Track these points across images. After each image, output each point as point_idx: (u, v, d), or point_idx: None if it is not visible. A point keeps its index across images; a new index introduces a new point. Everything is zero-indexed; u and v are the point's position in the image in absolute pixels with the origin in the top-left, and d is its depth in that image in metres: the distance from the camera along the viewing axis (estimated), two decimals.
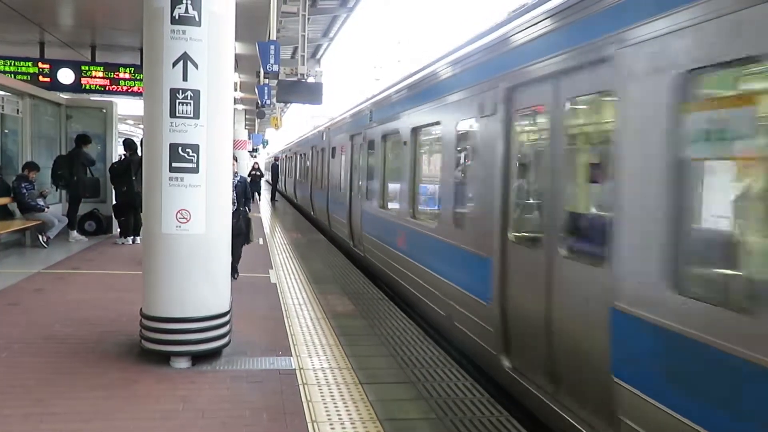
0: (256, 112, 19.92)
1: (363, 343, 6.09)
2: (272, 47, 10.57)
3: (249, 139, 35.39)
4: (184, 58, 4.89)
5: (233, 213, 6.97)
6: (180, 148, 4.94)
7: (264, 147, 44.38)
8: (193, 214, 5.01)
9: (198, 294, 5.12)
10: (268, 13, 10.56)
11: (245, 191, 8.50)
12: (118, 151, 14.31)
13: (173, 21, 4.86)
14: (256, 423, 4.13)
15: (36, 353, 5.37)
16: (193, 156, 4.97)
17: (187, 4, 4.86)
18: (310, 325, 6.65)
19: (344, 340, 6.12)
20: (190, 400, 4.45)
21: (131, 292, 7.10)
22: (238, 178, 8.37)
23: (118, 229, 12.49)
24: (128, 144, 12.36)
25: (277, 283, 8.82)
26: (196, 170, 4.99)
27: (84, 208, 12.60)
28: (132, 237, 11.93)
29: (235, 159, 7.47)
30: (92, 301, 7.33)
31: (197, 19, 4.89)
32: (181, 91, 4.90)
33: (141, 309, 5.29)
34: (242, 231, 8.27)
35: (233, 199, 7.35)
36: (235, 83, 20.06)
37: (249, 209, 8.70)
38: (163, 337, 5.08)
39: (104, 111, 13.54)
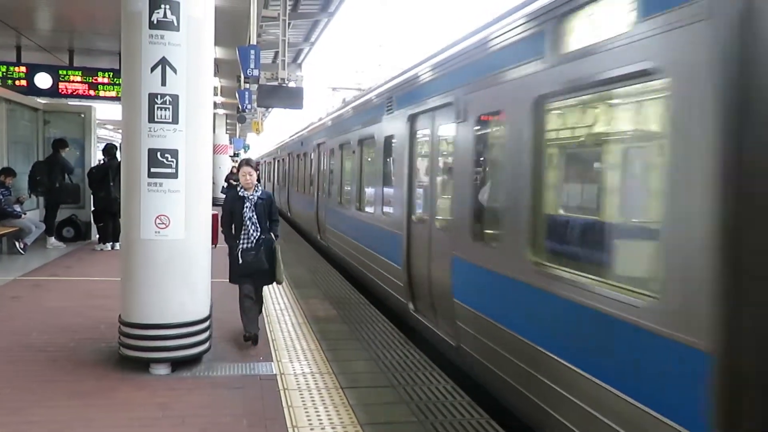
0: (237, 117, 19.88)
1: (344, 347, 6.09)
2: (252, 52, 10.55)
3: (230, 143, 35.22)
4: (163, 63, 4.87)
5: (255, 242, 5.97)
6: (159, 154, 4.92)
7: (245, 152, 44.17)
8: (172, 219, 4.98)
9: (177, 300, 5.09)
10: (248, 18, 10.54)
11: (270, 210, 6.15)
12: (97, 157, 14.17)
13: (151, 26, 4.84)
14: (236, 429, 4.11)
15: (12, 361, 5.30)
16: (172, 161, 4.94)
17: (165, 8, 4.84)
18: (291, 330, 6.64)
19: (326, 344, 6.12)
20: (169, 407, 4.42)
21: (110, 299, 7.03)
22: (260, 192, 6.10)
23: (97, 235, 12.36)
24: (107, 149, 12.24)
25: None
26: (175, 175, 4.96)
27: (62, 214, 12.44)
28: (111, 243, 11.81)
29: (256, 167, 6.25)
30: (70, 308, 7.24)
31: (176, 23, 4.87)
32: (159, 96, 4.88)
33: (120, 315, 5.24)
34: (264, 267, 6.03)
35: (254, 222, 5.97)
36: (216, 88, 19.97)
37: (277, 236, 6.29)
38: (142, 343, 5.04)
39: (82, 116, 13.40)
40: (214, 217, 14.81)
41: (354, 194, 10.66)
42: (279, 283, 6.31)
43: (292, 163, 20.86)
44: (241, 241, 5.99)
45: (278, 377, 5.11)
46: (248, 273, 6.04)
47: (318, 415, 4.36)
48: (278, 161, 26.22)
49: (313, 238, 14.91)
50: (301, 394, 4.75)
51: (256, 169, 6.28)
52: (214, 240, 14.06)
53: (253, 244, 5.98)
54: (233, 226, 6.04)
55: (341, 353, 5.86)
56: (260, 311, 6.37)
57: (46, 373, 5.04)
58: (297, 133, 21.40)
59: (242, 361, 5.47)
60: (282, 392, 4.78)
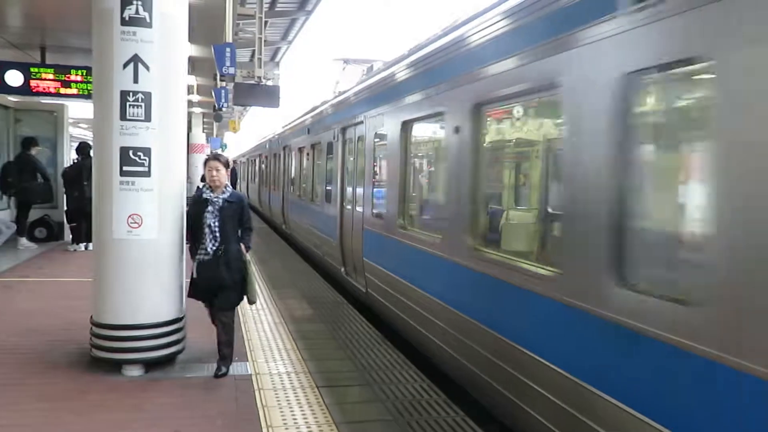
0: (214, 116, 19.67)
1: (321, 346, 6.07)
2: (228, 49, 10.45)
3: (207, 142, 34.88)
4: (135, 60, 4.81)
5: (213, 254, 5.05)
6: (131, 152, 4.86)
7: (223, 151, 43.82)
8: (145, 218, 4.92)
9: (150, 300, 5.03)
10: (224, 16, 10.44)
11: (241, 216, 5.23)
12: (71, 156, 13.93)
13: (123, 22, 4.77)
14: (209, 430, 4.07)
15: None
16: (145, 159, 4.88)
17: (137, 5, 4.78)
18: (267, 330, 6.60)
19: (302, 344, 6.09)
20: (142, 408, 4.37)
21: (83, 300, 6.89)
22: (227, 194, 5.17)
23: (71, 236, 12.16)
24: (80, 148, 12.05)
25: None
26: (147, 174, 4.91)
27: (34, 214, 12.21)
28: (85, 243, 11.62)
29: (232, 165, 5.87)
30: (42, 309, 7.12)
31: (148, 20, 4.81)
32: (131, 94, 4.82)
33: (91, 316, 5.16)
34: (223, 283, 5.08)
35: (213, 230, 5.06)
36: (192, 86, 19.74)
37: (249, 247, 5.35)
38: (114, 344, 4.97)
39: (55, 114, 13.17)
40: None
41: (308, 189, 13.14)
42: (251, 302, 5.34)
43: (262, 163, 23.16)
44: (199, 252, 5.13)
45: (253, 377, 5.08)
46: (206, 290, 5.18)
47: (293, 415, 4.34)
48: (253, 161, 28.08)
49: (279, 226, 17.64)
50: (276, 394, 4.73)
51: (227, 166, 5.35)
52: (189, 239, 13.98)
53: (210, 256, 5.06)
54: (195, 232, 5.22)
55: (317, 352, 5.84)
56: (227, 345, 5.19)
57: (15, 375, 4.95)
58: (267, 137, 23.34)
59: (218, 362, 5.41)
60: (257, 392, 4.75)
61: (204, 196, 5.17)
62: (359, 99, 9.04)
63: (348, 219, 9.30)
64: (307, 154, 13.20)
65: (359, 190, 8.72)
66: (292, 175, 15.37)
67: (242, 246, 5.28)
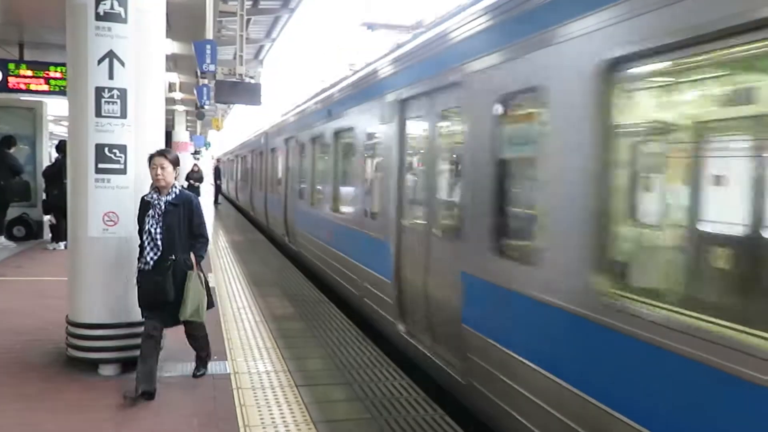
0: (196, 113, 19.53)
1: (301, 345, 6.04)
2: (208, 47, 10.37)
3: (191, 141, 34.63)
4: (110, 55, 4.76)
5: (153, 265, 4.50)
6: (106, 149, 4.81)
7: (207, 149, 43.52)
8: (121, 216, 4.87)
9: (126, 299, 4.95)
10: (204, 12, 10.36)
11: (191, 221, 4.65)
12: (51, 154, 13.74)
13: (98, 17, 4.72)
14: (185, 430, 4.03)
15: None
16: (121, 156, 4.83)
17: (112, 0, 4.72)
18: (248, 328, 6.56)
19: (282, 342, 6.06)
20: (117, 408, 4.31)
21: (61, 299, 6.76)
22: (173, 196, 4.60)
23: (50, 234, 12.01)
24: (60, 146, 11.89)
25: (216, 286, 8.66)
26: (123, 171, 4.86)
27: (13, 212, 12.04)
28: (65, 242, 11.46)
29: (174, 161, 4.65)
30: (18, 309, 7.02)
31: (123, 15, 4.76)
32: (107, 90, 4.77)
33: (67, 315, 5.10)
34: (169, 298, 4.52)
35: (154, 237, 4.50)
36: (175, 84, 19.59)
37: (200, 256, 4.74)
38: (90, 344, 4.92)
39: (33, 111, 12.99)
40: None
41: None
42: (188, 322, 4.70)
43: (239, 162, 25.12)
44: (139, 262, 4.62)
45: (232, 376, 5.04)
46: (150, 304, 4.61)
47: (271, 414, 4.31)
48: (244, 158, 27.97)
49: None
50: (254, 393, 4.69)
51: (175, 164, 4.65)
52: None
53: (150, 267, 4.50)
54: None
55: (298, 351, 5.81)
56: (205, 347, 4.98)
57: None
58: (262, 130, 22.82)
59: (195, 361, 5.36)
60: (235, 391, 4.71)
61: (145, 198, 4.63)
62: (300, 117, 9.43)
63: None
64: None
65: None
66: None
67: (192, 256, 4.66)
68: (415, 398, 4.73)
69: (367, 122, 7.36)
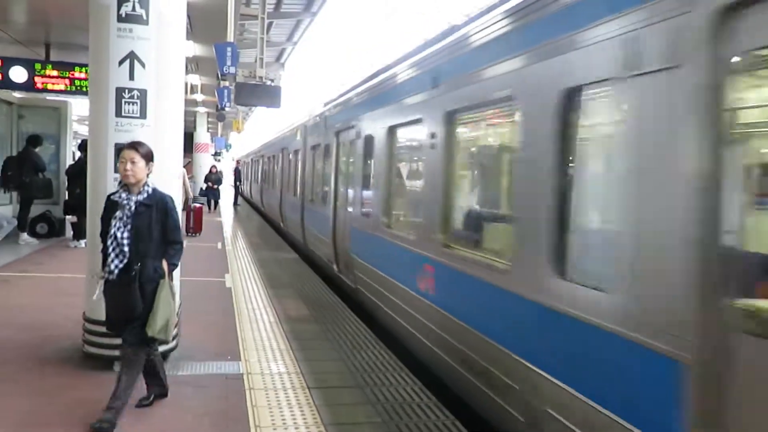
0: (216, 115, 19.69)
1: (315, 347, 6.05)
2: (229, 49, 10.46)
3: (211, 142, 34.97)
4: (131, 57, 4.80)
5: (119, 274, 3.94)
6: None
7: (227, 150, 43.91)
8: None
9: None
10: (226, 15, 10.47)
11: (165, 224, 4.08)
12: (75, 153, 13.94)
13: (120, 19, 4.77)
14: (196, 429, 4.06)
15: None
16: None
17: (134, 2, 4.77)
18: (262, 329, 6.58)
19: (296, 344, 6.07)
20: (130, 405, 4.34)
21: (79, 296, 6.84)
22: (144, 195, 4.04)
23: (71, 232, 12.18)
24: (83, 145, 12.07)
25: (233, 287, 8.71)
26: None
27: (36, 209, 12.24)
28: (85, 240, 11.62)
29: (147, 156, 4.12)
30: (38, 304, 7.12)
31: (145, 17, 4.81)
32: (127, 91, 4.81)
33: (84, 312, 5.16)
34: (136, 313, 3.99)
35: (119, 242, 3.94)
36: (197, 86, 19.79)
37: (173, 264, 4.17)
38: (105, 341, 4.95)
39: (58, 111, 13.21)
40: (198, 210, 14.81)
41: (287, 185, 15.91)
42: (154, 338, 4.07)
43: (256, 164, 26.92)
44: (103, 270, 4.04)
45: (245, 377, 5.06)
46: (118, 317, 4.08)
47: (282, 415, 4.32)
48: (253, 162, 30.37)
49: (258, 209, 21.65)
50: (266, 394, 4.71)
51: (148, 159, 4.09)
52: (198, 229, 14.27)
53: (115, 277, 3.95)
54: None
55: (311, 353, 5.82)
56: (125, 393, 4.03)
57: (4, 370, 4.94)
58: (274, 136, 23.47)
59: (209, 360, 5.40)
60: (247, 392, 4.73)
61: (112, 197, 4.11)
62: (282, 139, 12.26)
63: (294, 203, 8.42)
64: (278, 161, 13.04)
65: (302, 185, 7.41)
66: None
67: (164, 264, 4.08)
68: (426, 403, 4.71)
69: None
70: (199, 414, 4.27)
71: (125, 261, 3.96)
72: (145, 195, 4.05)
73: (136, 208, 4.01)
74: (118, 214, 4.00)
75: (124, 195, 4.05)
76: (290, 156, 15.78)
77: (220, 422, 4.16)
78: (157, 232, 4.06)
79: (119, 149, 4.15)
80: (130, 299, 3.96)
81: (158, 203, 4.07)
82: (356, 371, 5.39)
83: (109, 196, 4.19)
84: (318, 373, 5.27)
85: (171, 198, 4.22)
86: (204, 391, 4.71)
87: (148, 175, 4.12)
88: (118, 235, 3.95)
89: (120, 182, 4.16)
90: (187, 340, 5.70)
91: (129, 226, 3.97)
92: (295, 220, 13.86)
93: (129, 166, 3.99)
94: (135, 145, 4.08)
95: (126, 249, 3.95)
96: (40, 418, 4.11)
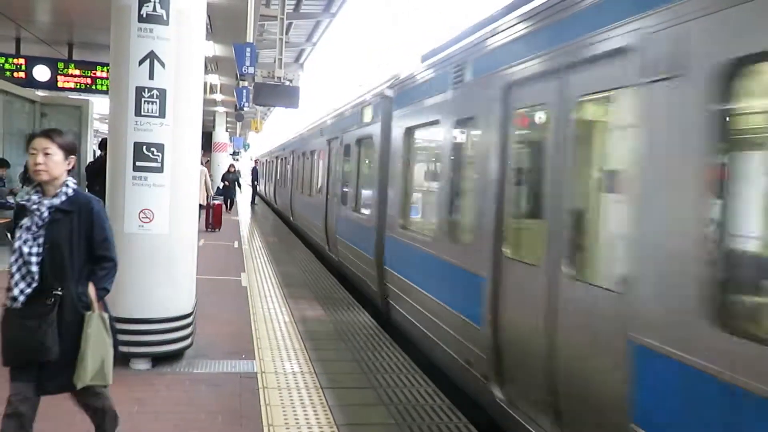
0: (235, 115, 19.81)
1: (329, 347, 6.06)
2: (248, 49, 10.53)
3: (230, 141, 35.22)
4: (151, 56, 4.86)
5: (29, 301, 2.98)
6: (144, 147, 4.91)
7: (246, 150, 44.19)
8: (157, 213, 4.96)
9: (160, 295, 5.06)
10: (246, 16, 10.54)
11: (91, 237, 3.10)
12: (96, 152, 14.10)
13: (140, 19, 4.83)
14: (209, 426, 4.08)
15: None
16: (158, 155, 4.93)
17: (155, 2, 4.83)
18: (277, 328, 6.61)
19: (310, 344, 6.09)
20: (145, 402, 4.40)
21: None
22: (63, 198, 3.07)
23: None
24: (103, 144, 12.22)
25: (248, 286, 8.76)
26: (160, 170, 4.95)
27: None
28: None
29: (70, 148, 3.16)
30: None
31: (165, 17, 4.86)
32: (146, 90, 4.87)
33: None
34: (50, 356, 3.00)
35: (27, 260, 2.98)
36: (216, 85, 19.95)
37: (104, 289, 3.16)
38: (122, 338, 4.98)
39: (80, 110, 13.38)
40: (218, 206, 15.04)
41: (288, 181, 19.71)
42: (86, 388, 3.15)
43: (272, 163, 28.96)
44: (8, 297, 3.06)
45: (259, 375, 5.09)
46: (22, 359, 3.05)
47: (295, 415, 4.33)
48: (271, 161, 31.75)
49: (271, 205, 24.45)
50: (280, 393, 4.72)
51: (70, 152, 3.14)
52: (217, 224, 14.48)
53: (20, 305, 2.99)
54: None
55: (325, 353, 5.83)
56: None
57: None
58: (278, 145, 27.75)
59: (224, 359, 5.44)
60: (261, 390, 4.75)
61: (20, 201, 3.24)
62: (289, 144, 14.85)
63: (302, 199, 9.02)
64: (281, 162, 14.03)
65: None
66: (280, 175, 13.59)
67: (90, 288, 3.09)
68: (439, 405, 4.70)
69: None
70: (213, 411, 4.30)
71: (33, 285, 2.99)
72: (64, 198, 3.07)
73: (50, 214, 3.03)
74: (26, 222, 3.04)
75: (35, 197, 3.07)
76: (264, 163, 28.58)
77: (233, 420, 4.18)
78: (82, 246, 3.08)
79: (30, 138, 3.13)
80: (41, 338, 2.95)
81: (81, 209, 3.08)
82: (369, 372, 5.39)
83: (16, 201, 3.29)
84: (331, 373, 5.28)
85: (98, 200, 3.19)
86: (218, 389, 4.74)
87: (69, 172, 3.14)
88: (25, 250, 2.99)
89: (33, 182, 3.16)
90: (203, 339, 5.74)
91: (41, 239, 3.01)
92: (261, 189, 30.45)
93: (41, 158, 3.03)
94: (50, 133, 3.11)
95: (34, 269, 2.98)
96: (58, 413, 4.15)
